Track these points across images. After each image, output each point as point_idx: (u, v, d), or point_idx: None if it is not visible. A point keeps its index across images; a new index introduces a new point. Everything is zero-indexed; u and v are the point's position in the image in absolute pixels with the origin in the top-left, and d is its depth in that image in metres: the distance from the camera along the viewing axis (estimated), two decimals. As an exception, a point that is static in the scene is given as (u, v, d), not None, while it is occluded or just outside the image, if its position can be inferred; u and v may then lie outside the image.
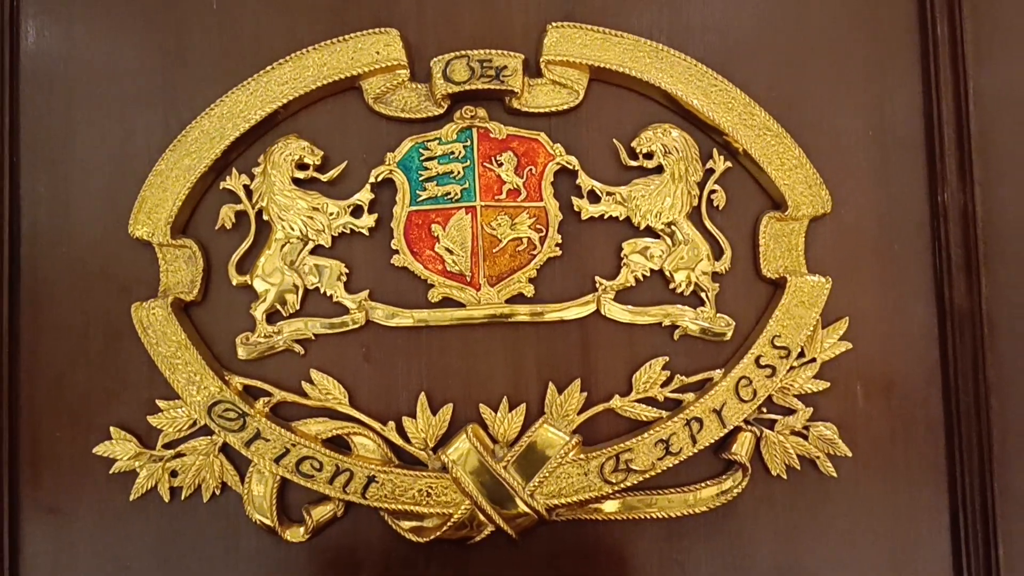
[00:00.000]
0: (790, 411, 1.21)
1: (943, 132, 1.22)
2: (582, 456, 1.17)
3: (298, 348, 1.20)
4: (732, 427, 1.19)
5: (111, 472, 1.19)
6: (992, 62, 1.23)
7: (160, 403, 1.20)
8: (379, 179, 1.20)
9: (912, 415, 1.22)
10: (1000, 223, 1.21)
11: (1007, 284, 1.21)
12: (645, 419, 1.20)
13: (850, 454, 1.20)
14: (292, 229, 1.20)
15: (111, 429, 1.20)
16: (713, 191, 1.21)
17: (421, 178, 1.20)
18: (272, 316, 1.20)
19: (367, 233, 1.21)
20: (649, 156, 1.21)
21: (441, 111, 1.21)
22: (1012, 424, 1.20)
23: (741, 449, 1.19)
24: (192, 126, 1.19)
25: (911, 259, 1.23)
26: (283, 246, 1.20)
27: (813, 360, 1.21)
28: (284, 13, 1.22)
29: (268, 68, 1.19)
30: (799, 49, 1.24)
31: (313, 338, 1.20)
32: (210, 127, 1.19)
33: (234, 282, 1.20)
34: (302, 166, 1.20)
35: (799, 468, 1.21)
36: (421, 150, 1.20)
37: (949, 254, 1.22)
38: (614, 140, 1.21)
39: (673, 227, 1.20)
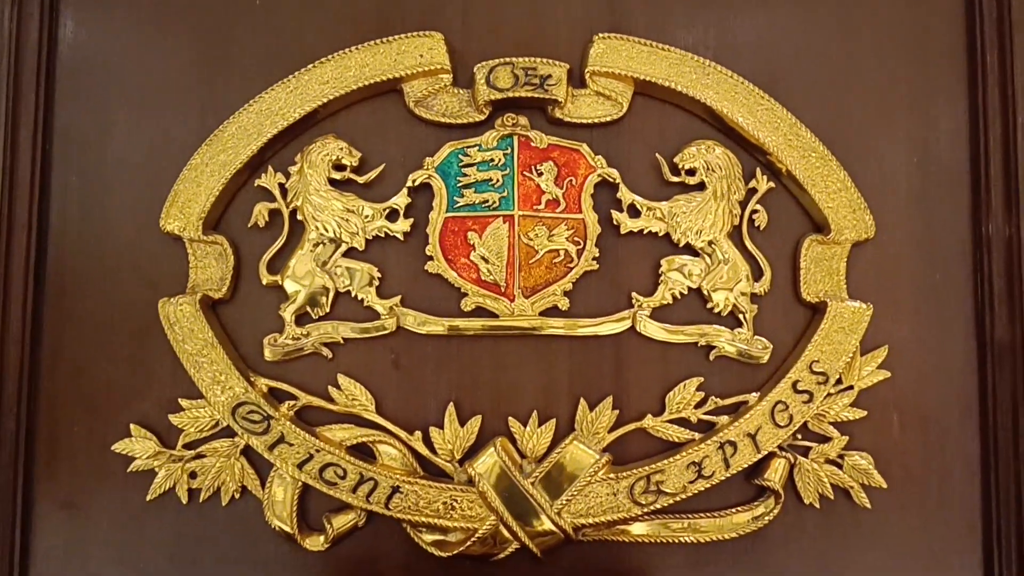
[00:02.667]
0: (825, 439, 1.19)
1: (989, 162, 1.21)
2: (612, 475, 1.16)
3: (326, 352, 1.19)
4: (766, 452, 1.17)
5: (129, 470, 1.19)
6: (1041, 95, 1.22)
7: (183, 402, 1.19)
8: (416, 183, 1.20)
9: (948, 449, 1.21)
10: (1044, 257, 1.20)
11: (1050, 319, 1.19)
12: (677, 440, 1.19)
13: (885, 485, 1.19)
14: (326, 230, 1.18)
15: (131, 426, 1.19)
16: (755, 211, 1.20)
17: (459, 184, 1.19)
18: (301, 318, 1.19)
19: (401, 238, 1.20)
20: (692, 172, 1.20)
21: (482, 117, 1.20)
22: (1052, 462, 1.18)
23: (775, 475, 1.17)
24: (229, 121, 1.19)
25: (952, 289, 1.22)
26: (316, 247, 1.19)
27: (850, 388, 1.20)
28: (327, 13, 1.22)
29: (309, 67, 1.19)
30: (846, 73, 1.23)
31: (342, 342, 1.19)
32: (248, 123, 1.19)
33: (264, 281, 1.19)
34: (339, 167, 1.19)
35: (832, 497, 1.19)
36: (460, 156, 1.20)
37: (991, 285, 1.20)
38: (657, 155, 1.21)
39: (713, 246, 1.19)
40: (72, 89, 1.21)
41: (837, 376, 1.18)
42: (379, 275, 1.19)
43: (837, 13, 1.24)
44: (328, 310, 1.19)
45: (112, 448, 1.18)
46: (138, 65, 1.22)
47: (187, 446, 1.18)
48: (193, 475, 1.18)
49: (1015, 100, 1.21)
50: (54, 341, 1.19)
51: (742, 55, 1.22)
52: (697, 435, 1.18)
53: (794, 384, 1.17)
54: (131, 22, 1.22)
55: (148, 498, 1.18)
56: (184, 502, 1.18)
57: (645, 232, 1.19)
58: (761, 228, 1.20)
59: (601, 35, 1.20)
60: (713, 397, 1.19)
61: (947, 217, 1.22)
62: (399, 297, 1.19)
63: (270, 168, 1.20)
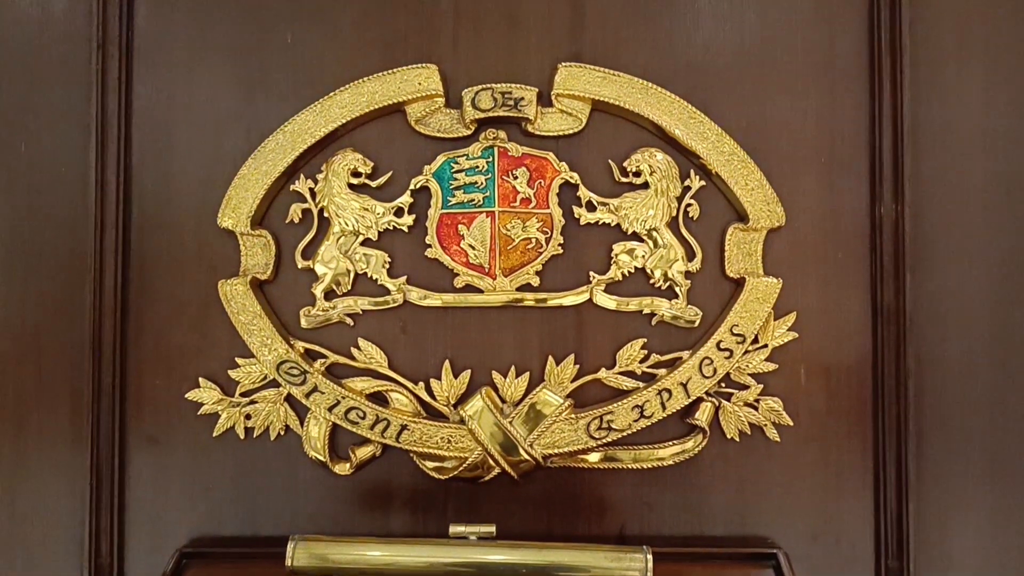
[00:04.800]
0: (744, 387, 1.42)
1: (882, 159, 1.43)
2: (573, 416, 1.39)
3: (349, 321, 1.42)
4: (695, 398, 1.40)
5: (198, 413, 1.42)
6: (926, 103, 1.43)
7: (239, 360, 1.42)
8: (417, 187, 1.42)
9: (845, 393, 1.43)
10: (924, 237, 1.42)
11: (928, 288, 1.42)
12: (625, 388, 1.41)
13: (792, 423, 1.42)
14: (347, 224, 1.43)
15: (200, 379, 1.42)
16: (689, 205, 1.43)
17: (451, 187, 1.43)
18: (329, 294, 1.42)
19: (406, 230, 1.42)
20: (637, 174, 1.43)
21: (469, 132, 1.43)
22: (925, 403, 1.43)
23: (702, 416, 1.42)
24: (269, 139, 1.43)
25: (851, 265, 1.44)
26: (339, 238, 1.42)
27: (765, 346, 1.43)
28: (345, 49, 1.45)
29: (331, 94, 1.43)
30: (765, 87, 1.44)
31: (361, 313, 1.42)
32: (284, 140, 1.43)
33: (299, 266, 1.42)
34: (356, 174, 1.42)
35: (750, 433, 1.42)
36: (452, 164, 1.43)
37: (882, 261, 1.42)
38: (609, 160, 1.44)
39: (655, 233, 1.43)
40: (145, 118, 1.46)
41: (753, 337, 1.41)
42: (389, 260, 1.42)
43: (757, 38, 1.44)
44: (350, 288, 1.42)
45: (185, 396, 1.42)
46: (195, 95, 1.45)
47: (243, 395, 1.42)
48: (248, 417, 1.42)
49: (903, 109, 1.42)
50: (138, 313, 1.43)
51: (680, 76, 1.44)
52: (641, 384, 1.41)
53: (718, 343, 1.42)
54: (191, 61, 1.46)
55: (214, 435, 1.42)
56: (241, 438, 1.42)
57: (600, 223, 1.42)
58: (694, 218, 1.42)
59: (564, 64, 1.42)
60: (654, 354, 1.41)
61: (847, 206, 1.43)
62: (405, 277, 1.42)
63: (302, 176, 1.42)
